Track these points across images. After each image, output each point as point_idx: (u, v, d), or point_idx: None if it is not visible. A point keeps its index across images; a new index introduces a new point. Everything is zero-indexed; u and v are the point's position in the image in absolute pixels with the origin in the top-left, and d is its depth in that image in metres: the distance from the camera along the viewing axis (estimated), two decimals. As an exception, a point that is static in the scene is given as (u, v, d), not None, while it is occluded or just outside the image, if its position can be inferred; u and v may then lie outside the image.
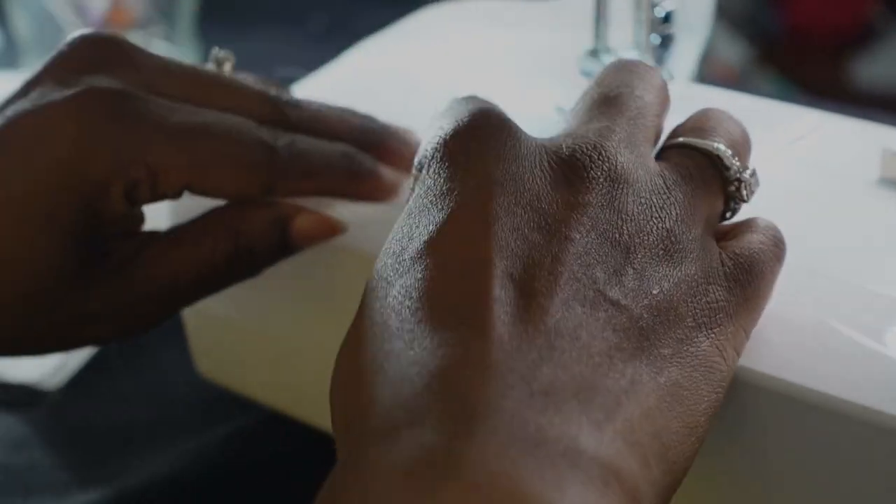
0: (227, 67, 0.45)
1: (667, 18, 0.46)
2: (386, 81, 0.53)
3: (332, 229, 0.42)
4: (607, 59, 0.45)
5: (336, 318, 0.36)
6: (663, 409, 0.30)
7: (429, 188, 0.33)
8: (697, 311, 0.33)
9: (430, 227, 0.32)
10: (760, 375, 0.35)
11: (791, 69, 1.49)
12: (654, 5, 0.46)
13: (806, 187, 0.44)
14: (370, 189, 0.43)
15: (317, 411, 0.45)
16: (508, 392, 0.28)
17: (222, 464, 0.49)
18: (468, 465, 0.26)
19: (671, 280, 0.33)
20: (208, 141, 0.40)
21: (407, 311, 0.31)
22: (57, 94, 0.39)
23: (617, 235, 0.33)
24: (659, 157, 0.37)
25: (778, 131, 0.48)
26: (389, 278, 0.32)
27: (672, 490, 0.31)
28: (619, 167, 0.34)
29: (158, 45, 0.77)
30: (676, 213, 0.34)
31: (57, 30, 0.74)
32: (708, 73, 0.53)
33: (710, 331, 0.33)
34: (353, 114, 0.45)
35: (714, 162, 0.36)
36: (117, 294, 0.40)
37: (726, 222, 0.37)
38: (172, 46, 0.77)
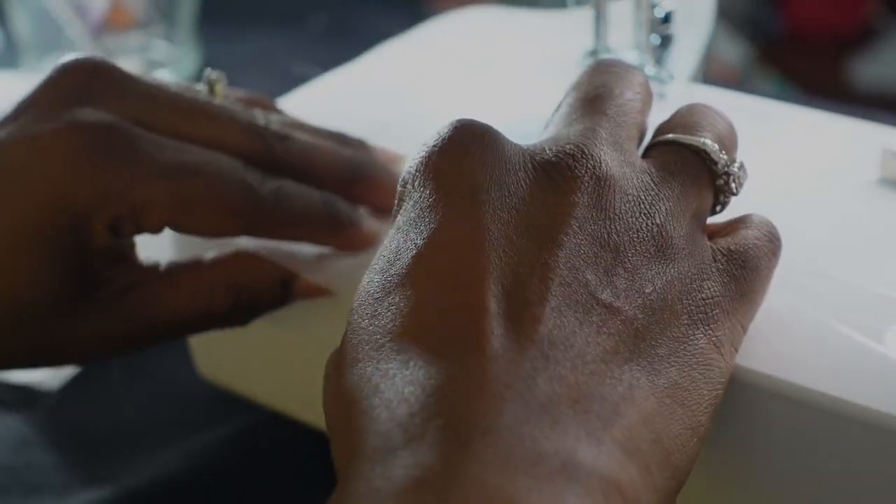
0: (219, 88, 0.44)
1: (667, 19, 0.46)
2: (395, 88, 0.53)
3: (331, 293, 0.42)
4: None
5: (336, 318, 0.36)
6: (663, 412, 0.30)
7: (415, 202, 0.33)
8: (692, 307, 0.33)
9: (418, 242, 0.32)
10: (760, 375, 0.35)
11: (791, 69, 1.49)
12: (654, 5, 0.46)
13: (806, 187, 0.44)
14: (349, 240, 0.43)
15: (317, 411, 0.45)
16: (505, 407, 0.28)
17: (222, 464, 0.49)
18: (465, 484, 0.26)
19: (664, 278, 0.33)
20: (193, 181, 0.39)
21: (398, 329, 0.30)
22: (44, 126, 0.39)
23: (606, 236, 0.32)
24: (645, 154, 0.37)
25: (778, 131, 0.48)
26: (377, 295, 0.32)
27: (675, 494, 0.30)
28: (604, 166, 0.33)
29: (158, 45, 0.77)
30: (666, 209, 0.34)
31: (57, 30, 0.74)
32: (708, 73, 0.53)
33: (706, 327, 0.33)
34: (343, 141, 0.45)
35: (701, 157, 0.36)
36: (109, 324, 0.40)
37: (721, 220, 0.37)
38: (172, 46, 0.77)
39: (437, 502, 0.26)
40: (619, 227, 0.33)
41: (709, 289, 0.33)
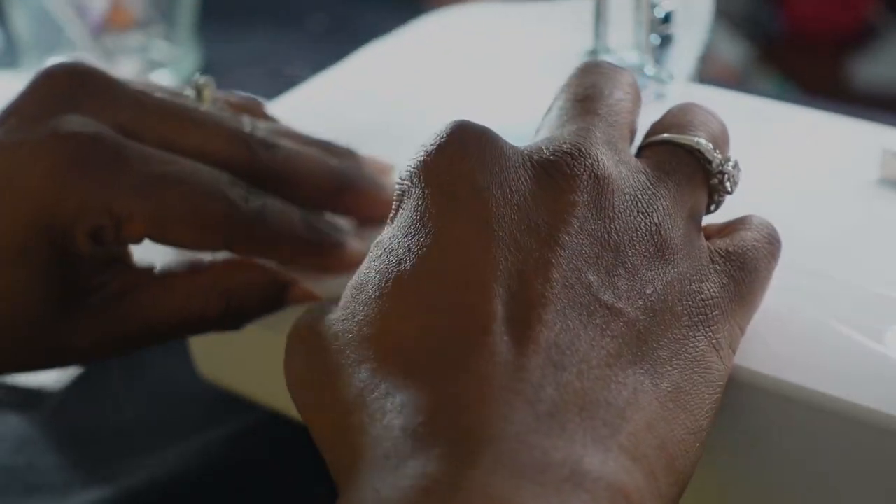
0: (207, 93, 0.44)
1: (666, 19, 0.46)
2: (390, 85, 0.53)
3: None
4: (607, 59, 0.45)
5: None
6: (667, 416, 0.30)
7: (415, 202, 0.33)
8: (693, 309, 0.33)
9: (421, 242, 0.32)
10: (760, 376, 0.35)
11: (791, 69, 1.49)
12: (653, 5, 0.46)
13: (806, 187, 0.44)
14: (332, 262, 0.42)
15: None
16: (513, 416, 0.28)
17: (222, 464, 0.49)
18: (472, 493, 0.26)
19: (664, 278, 0.33)
20: (175, 194, 0.39)
21: (401, 331, 0.30)
22: (27, 134, 0.39)
23: (606, 235, 0.32)
24: (638, 154, 0.36)
25: (778, 131, 0.48)
26: (375, 294, 0.32)
27: (678, 499, 0.30)
28: (601, 165, 0.33)
29: (158, 45, 0.77)
30: (664, 209, 0.34)
31: (57, 30, 0.74)
32: (708, 73, 0.53)
33: (706, 328, 0.33)
34: (331, 150, 0.44)
35: (696, 156, 0.36)
36: (104, 327, 0.40)
37: (720, 221, 0.37)
38: (172, 46, 0.77)
39: None
40: (618, 227, 0.33)
41: (708, 290, 0.33)
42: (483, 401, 0.28)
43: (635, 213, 0.33)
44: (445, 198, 0.32)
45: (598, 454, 0.28)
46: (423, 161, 0.33)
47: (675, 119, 0.37)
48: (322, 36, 0.84)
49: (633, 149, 0.37)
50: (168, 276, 0.41)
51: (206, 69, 0.77)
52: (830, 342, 0.36)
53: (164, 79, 0.75)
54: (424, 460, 0.27)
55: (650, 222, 0.33)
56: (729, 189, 0.36)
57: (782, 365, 0.35)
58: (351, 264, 0.42)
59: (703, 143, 0.36)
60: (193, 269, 0.41)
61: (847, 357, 0.35)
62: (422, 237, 0.32)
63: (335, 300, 0.34)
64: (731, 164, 0.36)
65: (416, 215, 0.33)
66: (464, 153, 0.33)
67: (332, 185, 0.43)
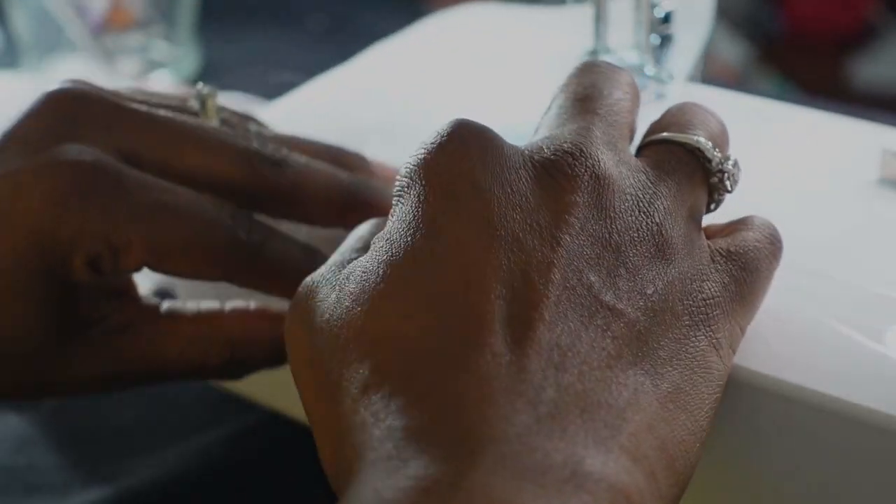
0: (211, 104, 0.43)
1: (666, 19, 0.46)
2: (396, 85, 0.53)
3: None
4: (607, 59, 0.45)
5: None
6: (667, 417, 0.30)
7: (416, 201, 0.33)
8: (693, 308, 0.33)
9: (423, 241, 0.32)
10: (760, 376, 0.35)
11: (791, 69, 1.49)
12: (653, 6, 0.46)
13: (806, 187, 0.44)
14: None
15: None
16: (514, 417, 0.28)
17: (222, 464, 0.49)
18: (473, 494, 0.26)
19: (665, 278, 0.33)
20: (173, 224, 0.38)
21: (402, 330, 0.30)
22: (26, 162, 0.38)
23: (607, 235, 0.32)
24: (638, 154, 0.36)
25: (778, 131, 0.48)
26: (375, 291, 0.31)
27: (678, 500, 0.30)
28: (602, 165, 0.33)
29: (158, 45, 0.77)
30: (664, 208, 0.34)
31: (57, 30, 0.74)
32: (708, 73, 0.53)
33: (707, 328, 0.33)
34: (340, 159, 0.43)
35: (695, 155, 0.36)
36: (102, 361, 0.40)
37: (720, 222, 0.37)
38: (172, 46, 0.77)
39: None
40: (619, 227, 0.33)
41: (709, 290, 0.33)
42: (484, 401, 0.28)
43: (636, 212, 0.33)
44: (446, 196, 0.32)
45: (599, 455, 0.28)
46: (424, 158, 0.33)
47: (675, 118, 0.37)
48: (322, 36, 0.84)
49: (633, 148, 0.37)
50: (173, 317, 0.41)
51: (205, 69, 0.78)
52: (830, 342, 0.36)
53: (164, 79, 0.75)
54: (425, 461, 0.27)
55: (651, 222, 0.33)
56: (729, 188, 0.36)
57: (782, 365, 0.35)
58: None
59: (703, 141, 0.36)
60: (198, 315, 0.41)
61: (847, 357, 0.35)
62: (422, 236, 0.32)
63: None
64: (730, 162, 0.36)
65: (416, 213, 0.32)
66: (464, 151, 0.33)
67: (340, 202, 0.42)
